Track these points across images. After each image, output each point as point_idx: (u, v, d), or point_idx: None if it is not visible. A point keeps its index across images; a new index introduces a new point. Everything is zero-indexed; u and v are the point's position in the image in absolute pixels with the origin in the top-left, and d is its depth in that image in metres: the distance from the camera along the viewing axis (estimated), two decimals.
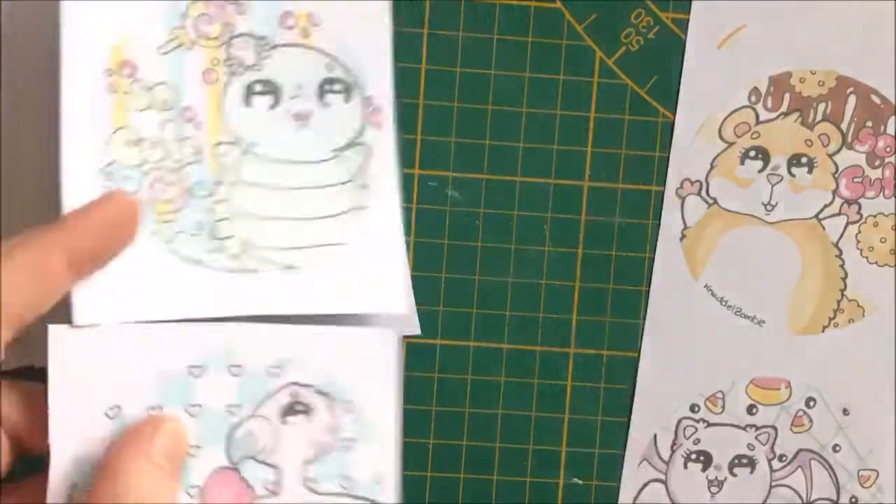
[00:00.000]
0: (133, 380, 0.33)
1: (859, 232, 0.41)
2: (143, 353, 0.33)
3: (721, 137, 0.40)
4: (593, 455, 0.42)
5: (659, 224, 0.41)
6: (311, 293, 0.36)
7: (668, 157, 0.41)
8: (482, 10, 0.40)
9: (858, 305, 0.41)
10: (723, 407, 0.41)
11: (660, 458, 0.41)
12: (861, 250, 0.41)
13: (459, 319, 0.41)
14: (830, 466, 0.41)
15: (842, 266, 0.41)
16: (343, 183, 0.38)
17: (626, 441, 0.42)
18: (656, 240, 0.41)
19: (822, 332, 0.41)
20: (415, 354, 0.41)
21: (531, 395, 0.42)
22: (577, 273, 0.41)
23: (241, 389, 0.34)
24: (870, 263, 0.41)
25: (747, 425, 0.41)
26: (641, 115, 0.41)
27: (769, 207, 0.40)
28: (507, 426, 0.42)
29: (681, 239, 0.41)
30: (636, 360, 0.42)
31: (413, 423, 0.41)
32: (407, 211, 0.40)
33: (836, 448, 0.41)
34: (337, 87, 0.38)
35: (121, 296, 0.34)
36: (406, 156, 0.40)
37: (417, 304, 0.41)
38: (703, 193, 0.40)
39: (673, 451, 0.41)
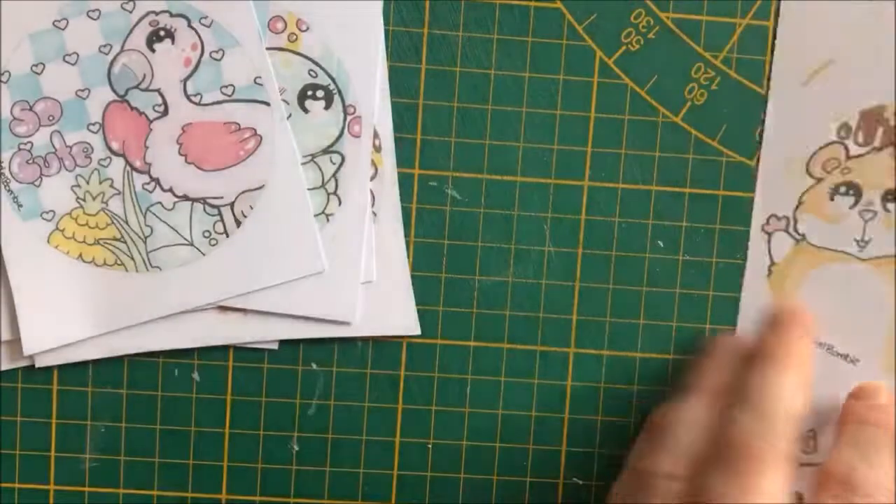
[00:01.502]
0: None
1: None
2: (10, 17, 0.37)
3: (809, 174, 0.39)
4: (593, 455, 0.42)
5: (746, 258, 0.41)
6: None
7: (753, 198, 0.41)
8: (482, 9, 0.40)
9: None
10: (814, 447, 0.41)
11: None
12: None
13: (459, 319, 0.41)
14: None
15: None
16: (311, 189, 0.39)
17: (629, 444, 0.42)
18: (657, 239, 0.41)
19: None
20: (415, 354, 0.41)
21: (531, 395, 0.42)
22: (577, 273, 0.41)
23: (104, 30, 0.37)
24: None
25: None
26: (641, 115, 0.41)
27: (862, 244, 0.39)
28: (507, 426, 0.42)
29: (767, 275, 0.40)
30: (635, 360, 0.42)
31: (413, 423, 0.41)
32: (407, 211, 0.40)
33: None
34: (318, 93, 0.38)
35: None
36: (406, 156, 0.40)
37: (417, 304, 0.41)
38: (791, 229, 0.40)
39: None
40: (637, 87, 0.41)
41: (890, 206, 0.39)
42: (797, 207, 0.39)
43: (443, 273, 0.41)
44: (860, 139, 0.39)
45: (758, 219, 0.40)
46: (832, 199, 0.39)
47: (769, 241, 0.40)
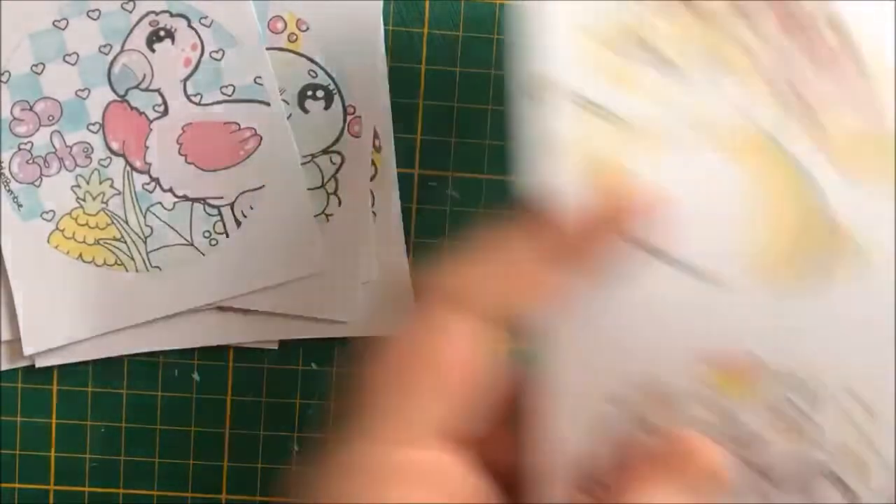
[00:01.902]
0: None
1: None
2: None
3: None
4: None
5: None
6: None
7: None
8: (482, 9, 0.40)
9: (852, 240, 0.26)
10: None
11: None
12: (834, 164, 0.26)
13: None
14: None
15: (814, 190, 0.26)
16: (311, 189, 0.39)
17: None
18: None
19: (807, 279, 0.26)
20: None
21: None
22: None
23: (104, 30, 0.37)
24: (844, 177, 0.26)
25: None
26: None
27: None
28: None
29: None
30: None
31: None
32: (407, 211, 0.40)
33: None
34: (318, 93, 0.38)
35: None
36: (406, 156, 0.40)
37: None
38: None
39: None
40: None
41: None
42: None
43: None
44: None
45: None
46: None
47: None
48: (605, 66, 0.26)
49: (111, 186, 0.38)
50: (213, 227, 0.39)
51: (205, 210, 0.39)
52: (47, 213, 0.38)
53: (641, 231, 0.26)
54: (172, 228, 0.39)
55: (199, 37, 0.38)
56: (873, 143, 0.26)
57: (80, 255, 0.39)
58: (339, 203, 0.39)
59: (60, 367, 0.40)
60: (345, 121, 0.39)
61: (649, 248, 0.26)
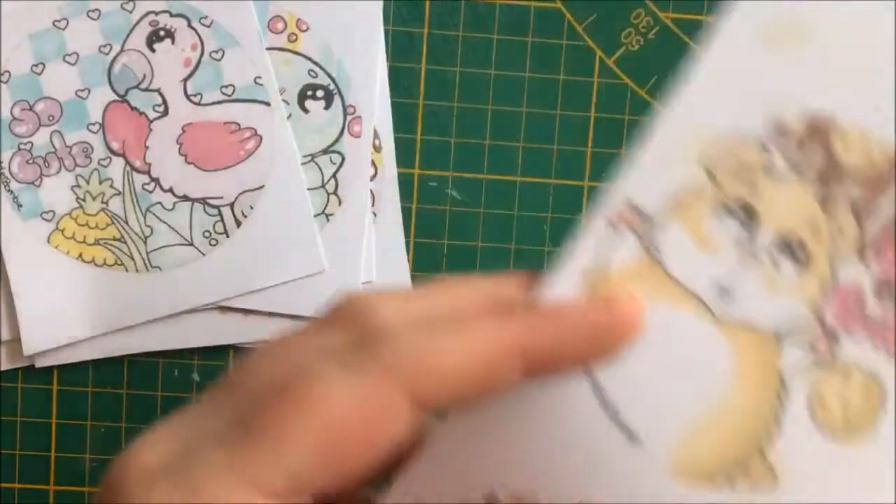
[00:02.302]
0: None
1: (820, 379, 0.26)
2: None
3: (706, 166, 0.25)
4: None
5: None
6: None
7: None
8: (482, 10, 0.40)
9: (773, 474, 0.26)
10: None
11: None
12: (811, 405, 0.26)
13: None
14: None
15: (776, 414, 0.26)
16: (311, 189, 0.39)
17: None
18: None
19: (710, 485, 0.26)
20: None
21: None
22: None
23: (104, 30, 0.37)
24: (814, 424, 0.26)
25: None
26: (641, 115, 0.41)
27: (725, 296, 0.26)
28: None
29: (585, 286, 0.26)
30: None
31: None
32: (407, 211, 0.40)
33: None
34: (319, 93, 0.38)
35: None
36: (406, 156, 0.40)
37: None
38: (646, 235, 0.26)
39: None
40: (637, 88, 0.41)
41: (784, 262, 0.25)
42: (669, 209, 0.25)
43: (443, 273, 0.41)
44: (794, 155, 0.25)
45: (611, 200, 0.25)
46: (717, 218, 0.25)
47: (610, 240, 0.25)
48: (691, 221, 0.25)
49: (111, 186, 0.38)
50: (213, 227, 0.39)
51: (205, 210, 0.39)
52: (47, 213, 0.38)
53: (597, 351, 0.24)
54: (172, 228, 0.39)
55: (199, 37, 0.38)
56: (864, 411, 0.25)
57: (80, 255, 0.39)
58: (339, 203, 0.39)
59: (60, 367, 0.40)
60: (345, 121, 0.39)
61: (591, 373, 0.24)
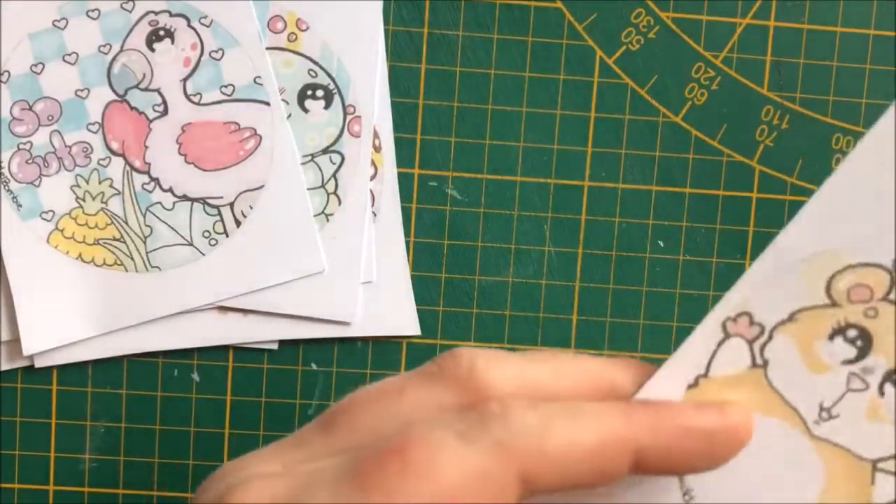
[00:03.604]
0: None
1: None
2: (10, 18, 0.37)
3: (828, 290, 0.25)
4: None
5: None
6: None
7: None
8: (482, 9, 0.40)
9: None
10: None
11: None
12: None
13: (459, 319, 0.41)
14: None
15: None
16: (311, 189, 0.39)
17: None
18: (657, 239, 0.41)
19: None
20: (415, 354, 0.41)
21: None
22: (577, 273, 0.41)
23: (104, 30, 0.37)
24: None
25: None
26: (641, 115, 0.41)
27: (825, 415, 0.26)
28: None
29: (691, 385, 0.26)
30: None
31: None
32: (407, 211, 0.40)
33: None
34: (318, 93, 0.38)
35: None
36: (406, 156, 0.40)
37: (417, 304, 0.41)
38: (757, 346, 0.26)
39: None
40: (637, 87, 0.41)
41: (888, 389, 0.25)
42: (783, 323, 0.25)
43: (443, 273, 0.41)
44: None
45: (730, 306, 0.25)
46: (831, 339, 0.25)
47: (720, 344, 0.26)
48: (803, 337, 0.25)
49: (111, 186, 0.38)
50: (213, 227, 0.39)
51: (205, 210, 0.39)
52: (47, 213, 0.38)
53: (709, 458, 0.23)
54: (172, 228, 0.39)
55: (199, 37, 0.38)
56: None
57: (80, 255, 0.39)
58: (339, 203, 0.39)
59: (60, 367, 0.40)
60: (345, 121, 0.39)
61: (683, 480, 0.25)
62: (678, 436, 0.22)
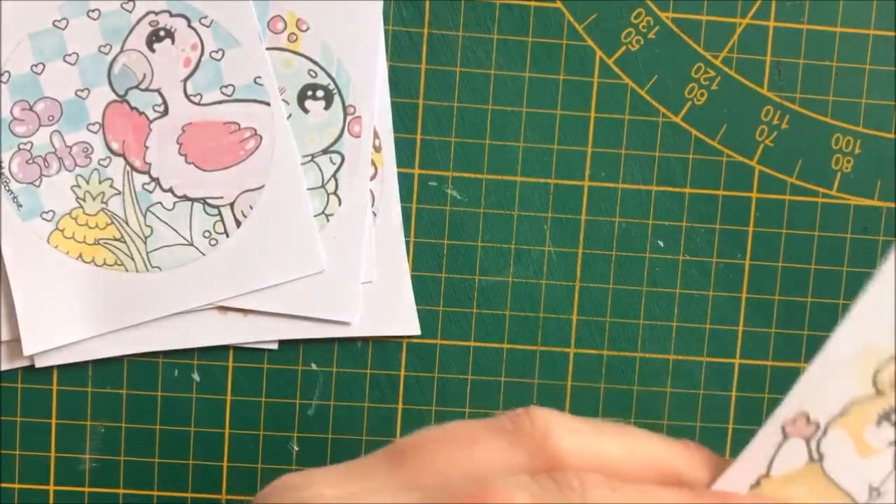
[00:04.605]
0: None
1: None
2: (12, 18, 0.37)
3: (875, 383, 0.27)
4: None
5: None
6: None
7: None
8: (482, 10, 0.40)
9: None
10: None
11: None
12: None
13: (459, 319, 0.41)
14: None
15: None
16: (311, 189, 0.39)
17: None
18: (657, 239, 0.41)
19: None
20: (415, 354, 0.41)
21: (531, 395, 0.42)
22: (577, 273, 0.41)
23: (104, 30, 0.37)
24: None
25: None
26: (641, 115, 0.41)
27: (875, 495, 0.27)
28: None
29: (752, 486, 0.27)
30: (635, 360, 0.42)
31: (413, 423, 0.41)
32: (407, 211, 0.40)
33: None
34: (319, 93, 0.38)
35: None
36: (406, 156, 0.40)
37: (417, 304, 0.41)
38: (814, 443, 0.27)
39: None
40: (637, 87, 0.41)
41: None
42: (836, 417, 0.27)
43: (443, 273, 0.41)
44: None
45: (788, 410, 0.26)
46: (878, 424, 0.27)
47: (780, 446, 0.27)
48: (854, 427, 0.27)
49: (111, 186, 0.38)
50: (213, 227, 0.39)
51: (205, 210, 0.39)
52: (47, 213, 0.38)
53: None
54: (172, 228, 0.39)
55: (199, 37, 0.38)
56: None
57: (80, 255, 0.39)
58: (339, 203, 0.39)
59: (60, 367, 0.40)
60: (345, 121, 0.39)
61: None
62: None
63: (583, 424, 0.24)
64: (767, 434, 0.27)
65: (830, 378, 0.26)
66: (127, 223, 0.39)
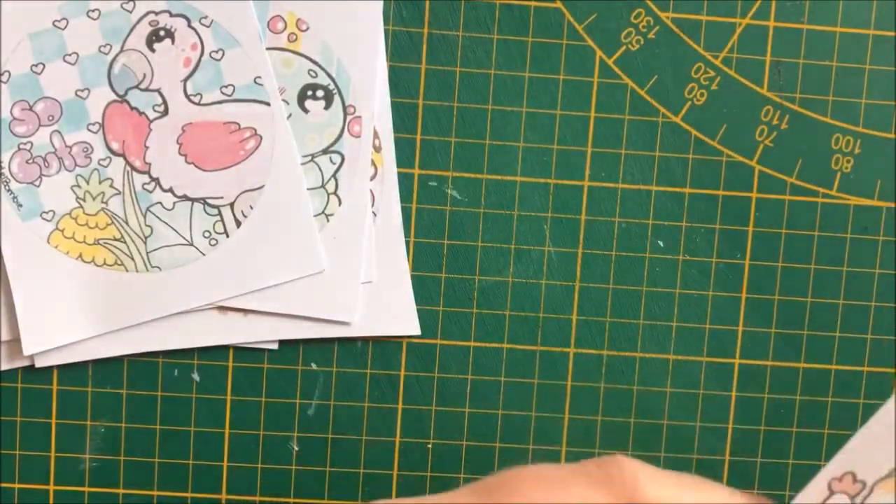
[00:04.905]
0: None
1: None
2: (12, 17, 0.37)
3: None
4: (593, 455, 0.42)
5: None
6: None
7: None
8: (482, 10, 0.40)
9: None
10: None
11: None
12: None
13: (459, 319, 0.41)
14: None
15: None
16: (311, 189, 0.39)
17: (630, 442, 0.42)
18: (657, 239, 0.41)
19: None
20: (415, 354, 0.41)
21: (531, 395, 0.42)
22: (577, 273, 0.41)
23: (104, 30, 0.37)
24: None
25: None
26: (641, 115, 0.41)
27: None
28: (507, 426, 0.42)
29: None
30: (635, 360, 0.42)
31: (413, 424, 0.41)
32: (407, 211, 0.40)
33: None
34: (319, 93, 0.38)
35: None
36: (406, 156, 0.40)
37: (417, 304, 0.41)
38: (859, 499, 0.28)
39: None
40: (637, 87, 0.41)
41: None
42: (883, 478, 0.28)
43: (443, 273, 0.41)
44: None
45: (836, 468, 0.28)
46: None
47: (826, 500, 0.28)
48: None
49: (111, 186, 0.38)
50: (213, 227, 0.39)
51: (205, 210, 0.39)
52: (47, 213, 0.38)
53: None
54: (172, 228, 0.39)
55: (199, 37, 0.38)
56: None
57: (80, 255, 0.39)
58: (339, 203, 0.39)
59: (60, 367, 0.40)
60: (345, 121, 0.39)
61: None
62: None
63: (667, 476, 0.25)
64: (815, 489, 0.28)
65: (879, 444, 0.28)
66: (127, 223, 0.39)
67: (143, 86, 0.38)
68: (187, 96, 0.38)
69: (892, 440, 0.27)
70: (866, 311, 0.42)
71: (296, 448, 0.41)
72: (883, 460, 0.27)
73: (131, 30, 0.38)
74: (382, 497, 0.42)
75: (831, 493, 0.28)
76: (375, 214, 0.40)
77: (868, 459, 0.28)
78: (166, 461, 0.41)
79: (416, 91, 0.40)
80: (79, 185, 0.38)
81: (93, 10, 0.37)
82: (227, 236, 0.39)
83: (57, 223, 0.38)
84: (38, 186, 0.38)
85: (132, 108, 0.38)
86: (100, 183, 0.38)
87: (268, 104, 0.38)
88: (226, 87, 0.38)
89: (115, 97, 0.38)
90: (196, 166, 0.38)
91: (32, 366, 0.40)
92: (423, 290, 0.41)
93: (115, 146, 0.38)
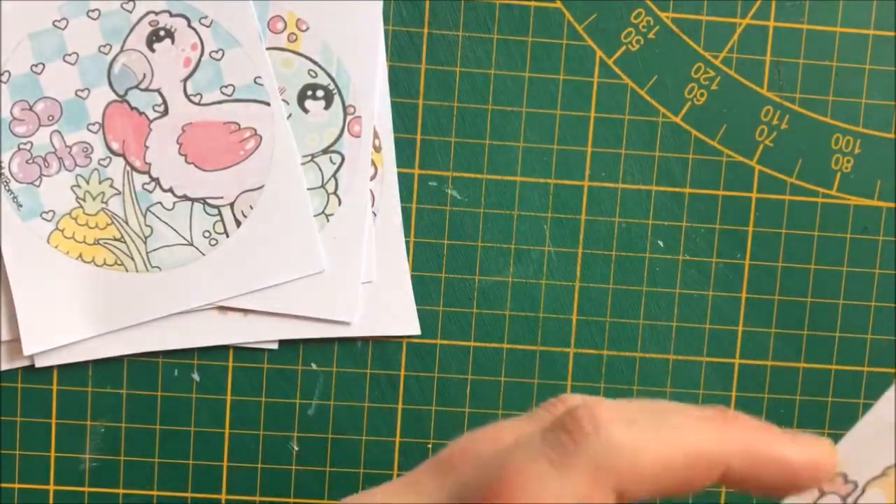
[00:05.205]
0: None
1: None
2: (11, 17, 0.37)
3: None
4: None
5: None
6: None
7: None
8: (482, 10, 0.40)
9: None
10: None
11: None
12: None
13: (459, 319, 0.41)
14: None
15: None
16: (311, 188, 0.39)
17: None
18: (657, 239, 0.41)
19: None
20: (415, 354, 0.41)
21: (531, 395, 0.42)
22: (577, 273, 0.41)
23: (104, 30, 0.37)
24: None
25: None
26: (641, 115, 0.41)
27: None
28: None
29: None
30: (635, 360, 0.42)
31: (413, 423, 0.41)
32: (407, 211, 0.40)
33: None
34: (319, 93, 0.38)
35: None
36: (406, 156, 0.40)
37: (417, 304, 0.41)
38: (851, 499, 0.28)
39: None
40: (637, 87, 0.41)
41: None
42: (875, 478, 0.28)
43: (443, 273, 0.41)
44: None
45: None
46: None
47: (816, 500, 0.28)
48: (887, 485, 0.28)
49: (111, 186, 0.38)
50: (213, 227, 0.39)
51: (205, 210, 0.39)
52: (47, 213, 0.38)
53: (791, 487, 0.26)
54: (172, 228, 0.39)
55: (199, 37, 0.38)
56: None
57: (80, 255, 0.39)
58: (339, 203, 0.39)
59: (60, 367, 0.40)
60: (345, 121, 0.39)
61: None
62: (766, 462, 0.23)
63: (618, 411, 0.23)
64: (808, 491, 0.28)
65: (870, 444, 0.28)
66: (127, 223, 0.39)
67: (143, 86, 0.38)
68: (187, 96, 0.38)
69: (882, 440, 0.27)
70: (866, 311, 0.42)
71: (296, 448, 0.41)
72: (874, 460, 0.27)
73: (131, 30, 0.38)
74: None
75: (822, 493, 0.27)
76: (375, 214, 0.40)
77: (859, 459, 0.28)
78: (166, 461, 0.41)
79: (416, 91, 0.40)
80: (79, 185, 0.38)
81: (93, 10, 0.37)
82: (227, 236, 0.39)
83: (57, 223, 0.38)
84: (38, 186, 0.38)
85: (132, 108, 0.38)
86: (100, 183, 0.38)
87: (268, 104, 0.38)
88: (226, 87, 0.38)
89: (115, 97, 0.38)
90: (196, 166, 0.38)
91: (32, 366, 0.40)
92: (423, 290, 0.41)
93: (115, 146, 0.38)
